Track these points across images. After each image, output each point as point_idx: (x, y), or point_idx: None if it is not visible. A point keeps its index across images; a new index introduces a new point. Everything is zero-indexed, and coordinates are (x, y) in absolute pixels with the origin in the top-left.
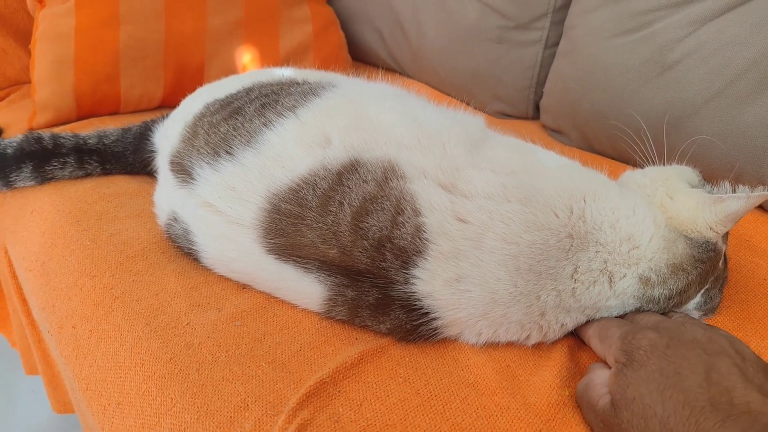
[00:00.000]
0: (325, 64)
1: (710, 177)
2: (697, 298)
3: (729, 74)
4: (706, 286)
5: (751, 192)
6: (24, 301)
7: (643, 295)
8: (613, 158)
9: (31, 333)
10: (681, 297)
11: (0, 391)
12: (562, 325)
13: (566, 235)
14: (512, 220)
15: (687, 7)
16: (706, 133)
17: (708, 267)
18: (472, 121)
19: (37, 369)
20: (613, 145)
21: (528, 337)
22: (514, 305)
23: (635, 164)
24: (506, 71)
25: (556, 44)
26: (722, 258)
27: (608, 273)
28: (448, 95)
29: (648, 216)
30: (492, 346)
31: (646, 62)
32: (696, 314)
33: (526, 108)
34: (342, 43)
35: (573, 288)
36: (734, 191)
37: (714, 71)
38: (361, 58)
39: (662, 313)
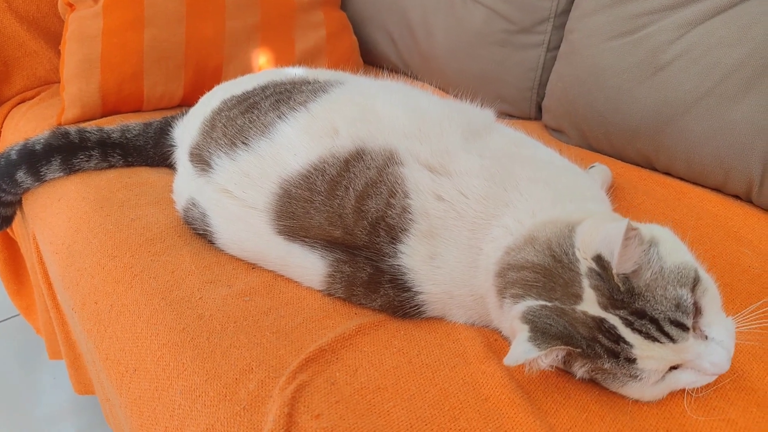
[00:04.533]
0: (337, 66)
1: (700, 172)
2: (530, 304)
3: (718, 74)
4: (546, 302)
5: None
6: (50, 285)
7: (500, 265)
8: (610, 155)
9: (55, 316)
10: (520, 274)
11: (24, 378)
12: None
13: (503, 203)
14: (471, 193)
15: (678, 11)
16: (696, 130)
17: (554, 270)
18: (477, 112)
19: (60, 353)
20: (610, 143)
21: (489, 322)
22: (464, 287)
23: (630, 162)
24: (510, 73)
25: (558, 47)
26: (590, 300)
27: (498, 245)
28: (455, 97)
29: (560, 208)
30: None
31: (640, 63)
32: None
33: (529, 109)
34: (354, 47)
35: (478, 260)
36: None
37: (703, 71)
38: (372, 60)
39: None
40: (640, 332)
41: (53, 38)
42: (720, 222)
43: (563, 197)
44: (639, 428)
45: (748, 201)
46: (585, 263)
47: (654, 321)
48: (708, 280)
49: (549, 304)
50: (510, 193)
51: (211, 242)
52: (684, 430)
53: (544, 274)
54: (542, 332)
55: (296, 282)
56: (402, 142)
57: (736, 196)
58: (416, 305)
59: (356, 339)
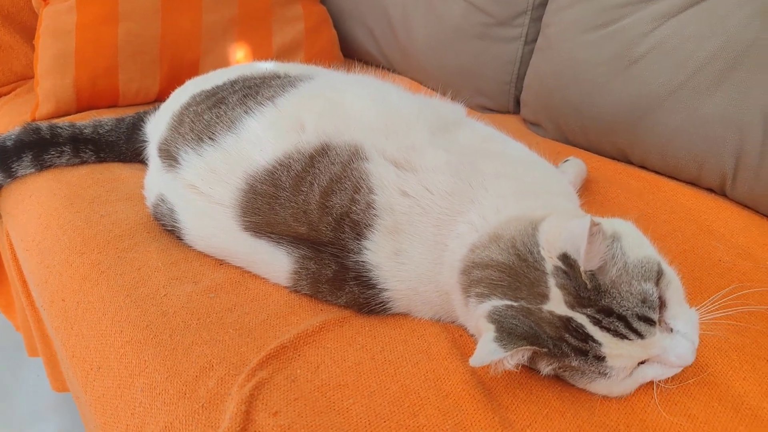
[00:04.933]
0: (316, 61)
1: (674, 166)
2: (500, 302)
3: (691, 67)
4: (513, 302)
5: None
6: (24, 282)
7: (463, 264)
8: (586, 149)
9: (31, 314)
10: (485, 272)
11: (8, 374)
12: (453, 307)
13: (469, 200)
14: (437, 189)
15: (652, 3)
16: (670, 124)
17: (520, 271)
18: (447, 107)
19: (38, 350)
20: (585, 136)
21: (456, 318)
22: (430, 283)
23: (606, 155)
24: (488, 67)
25: (536, 40)
26: (556, 301)
27: (464, 241)
28: (435, 91)
29: (525, 204)
30: None
31: (615, 57)
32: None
33: (507, 102)
34: (334, 41)
35: (444, 257)
36: None
37: (677, 64)
38: (352, 55)
39: None
40: (608, 330)
41: (29, 33)
42: (693, 215)
43: (529, 193)
44: (599, 424)
45: (723, 195)
46: (550, 262)
47: (622, 318)
48: (671, 273)
49: (515, 303)
50: (475, 189)
51: (179, 238)
52: (645, 425)
53: (509, 273)
54: (508, 332)
55: (263, 278)
56: (368, 137)
57: (711, 190)
58: (382, 302)
59: (319, 335)
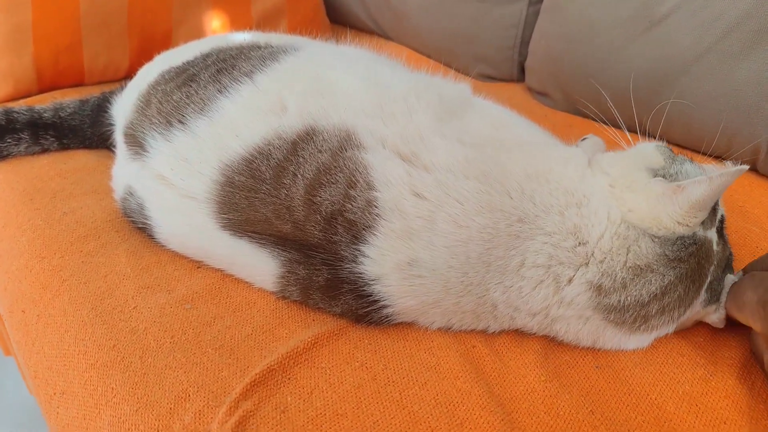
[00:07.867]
0: (301, 29)
1: (700, 139)
2: (702, 296)
3: (720, 28)
4: (708, 280)
5: (720, 170)
6: None
7: (602, 305)
8: (598, 121)
9: None
10: (664, 301)
11: None
12: (514, 319)
13: (517, 219)
14: (467, 200)
15: None
16: (696, 91)
17: (695, 264)
18: (451, 87)
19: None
20: (597, 106)
21: (486, 327)
22: (467, 295)
23: (622, 128)
24: (489, 30)
25: (541, 0)
26: (714, 242)
27: (553, 273)
28: (430, 58)
29: (602, 208)
30: None
31: (633, 17)
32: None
33: (511, 70)
34: (319, 6)
35: (520, 286)
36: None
37: (705, 25)
38: (340, 20)
39: None
40: None
41: None
42: (723, 195)
43: (573, 191)
44: None
45: (754, 170)
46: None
47: None
48: None
49: (710, 278)
50: (517, 202)
51: (151, 237)
52: None
53: (688, 276)
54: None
55: (247, 283)
56: (361, 121)
57: None
58: (384, 315)
59: (312, 353)
